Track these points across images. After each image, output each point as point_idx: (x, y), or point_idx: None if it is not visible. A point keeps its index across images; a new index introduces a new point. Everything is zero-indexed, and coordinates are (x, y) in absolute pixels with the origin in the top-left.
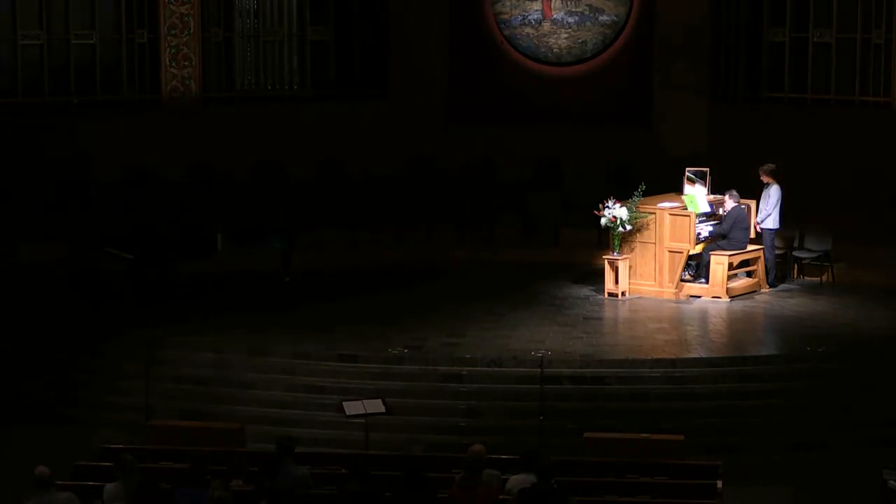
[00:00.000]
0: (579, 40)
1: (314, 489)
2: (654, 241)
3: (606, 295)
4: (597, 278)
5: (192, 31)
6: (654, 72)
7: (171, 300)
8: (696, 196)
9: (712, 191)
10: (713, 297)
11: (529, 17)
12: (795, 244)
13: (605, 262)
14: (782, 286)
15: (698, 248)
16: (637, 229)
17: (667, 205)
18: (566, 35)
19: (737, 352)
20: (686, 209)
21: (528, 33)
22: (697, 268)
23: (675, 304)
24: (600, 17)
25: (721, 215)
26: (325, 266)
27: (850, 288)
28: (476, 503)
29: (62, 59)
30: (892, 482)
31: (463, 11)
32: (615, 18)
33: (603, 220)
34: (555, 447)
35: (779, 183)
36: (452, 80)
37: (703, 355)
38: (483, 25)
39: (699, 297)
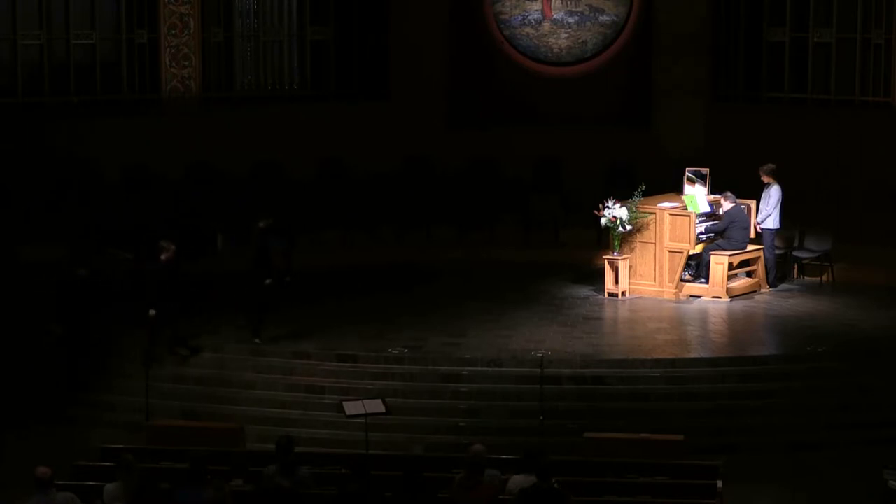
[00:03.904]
0: (579, 40)
1: (314, 489)
2: (654, 241)
3: (606, 295)
4: (597, 278)
5: (192, 31)
6: (653, 72)
7: (172, 300)
8: (696, 196)
9: (712, 191)
10: (713, 297)
11: (529, 17)
12: (795, 244)
13: (605, 262)
14: (782, 286)
15: (698, 248)
16: (637, 229)
17: (667, 205)
18: (566, 35)
19: (737, 352)
20: (686, 209)
21: (528, 33)
22: (697, 268)
23: (675, 304)
24: (600, 17)
25: (721, 216)
26: (325, 266)
27: (850, 288)
28: (476, 503)
29: (62, 59)
30: (892, 482)
31: (463, 11)
32: (615, 18)
33: (603, 220)
34: (555, 447)
35: (779, 183)
36: (452, 80)
37: (703, 355)
38: (483, 25)
39: (699, 297)
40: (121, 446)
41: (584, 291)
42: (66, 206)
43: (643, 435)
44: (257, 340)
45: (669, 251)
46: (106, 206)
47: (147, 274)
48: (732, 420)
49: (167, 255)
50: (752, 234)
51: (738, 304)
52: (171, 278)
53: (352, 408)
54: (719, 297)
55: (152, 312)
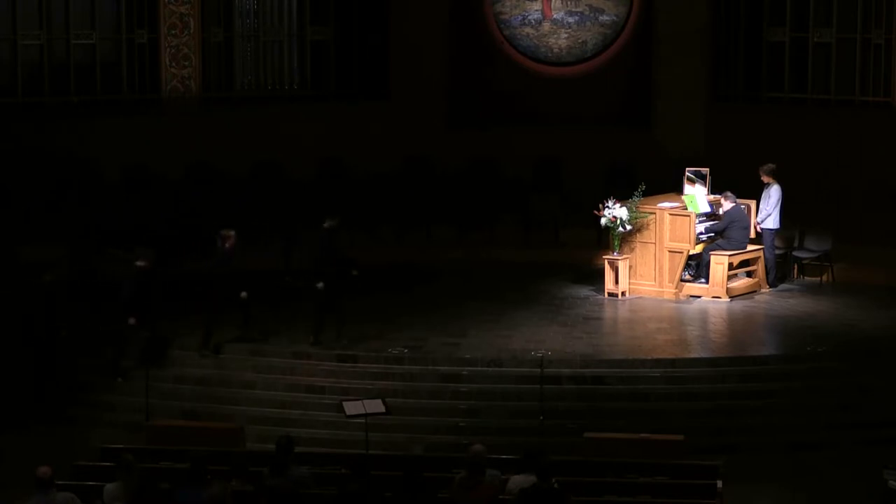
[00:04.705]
0: (579, 40)
1: (314, 489)
2: (654, 241)
3: (606, 295)
4: (597, 278)
5: (192, 31)
6: (653, 72)
7: (171, 300)
8: (696, 196)
9: (712, 191)
10: (713, 297)
11: (529, 17)
12: (795, 244)
13: (605, 262)
14: (782, 286)
15: (698, 248)
16: (637, 229)
17: (667, 205)
18: (566, 35)
19: (737, 352)
20: (686, 209)
21: (528, 33)
22: (697, 268)
23: (675, 304)
24: (600, 17)
25: (721, 216)
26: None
27: (850, 288)
28: (476, 503)
29: (62, 59)
30: (892, 482)
31: (463, 11)
32: (615, 18)
33: (603, 220)
34: (555, 447)
35: (779, 183)
36: (452, 80)
37: (703, 355)
38: (483, 25)
39: (699, 297)
40: (121, 446)
41: (584, 291)
42: (66, 206)
43: (643, 435)
44: (316, 342)
45: (669, 251)
46: (106, 206)
47: (213, 261)
48: (732, 420)
49: (230, 243)
50: (752, 234)
51: (738, 304)
52: (229, 266)
53: (352, 408)
54: (719, 297)
55: (244, 294)
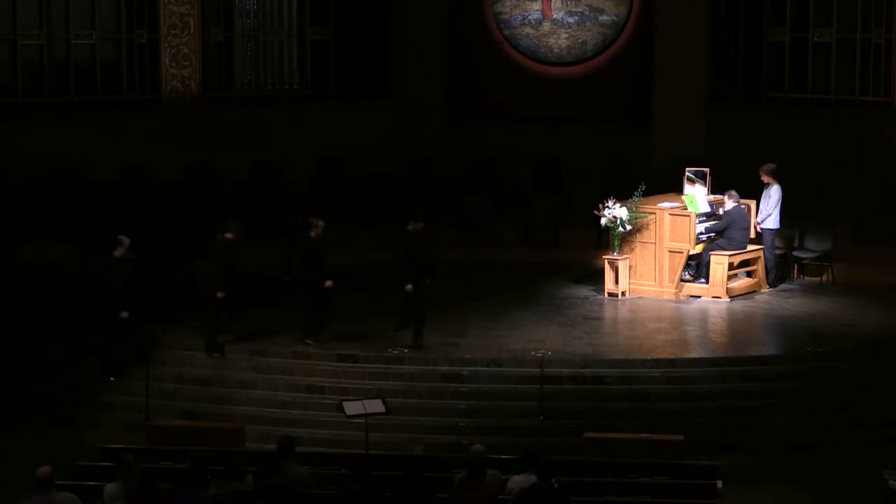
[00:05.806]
0: (579, 40)
1: (314, 489)
2: (654, 241)
3: (606, 295)
4: (597, 278)
5: (192, 31)
6: (654, 72)
7: (171, 300)
8: (696, 196)
9: (712, 191)
10: (713, 297)
11: (529, 17)
12: (795, 244)
13: (605, 262)
14: (782, 286)
15: (698, 248)
16: (637, 229)
17: (667, 205)
18: (566, 35)
19: (737, 352)
20: (686, 209)
21: (528, 33)
22: (697, 268)
23: (675, 304)
24: (600, 17)
25: (721, 215)
26: (325, 266)
27: (850, 288)
28: (476, 503)
29: (62, 59)
30: (892, 482)
31: (463, 11)
32: (615, 18)
33: (603, 220)
34: (555, 447)
35: (779, 183)
36: (452, 80)
37: (704, 355)
38: (483, 25)
39: (699, 297)
40: (121, 446)
41: (584, 291)
42: (66, 206)
43: (643, 435)
44: (398, 347)
45: (669, 251)
46: (106, 206)
47: (303, 249)
48: (732, 420)
49: (317, 231)
50: (752, 234)
51: (738, 304)
52: (320, 254)
53: (352, 408)
54: (719, 297)
55: (328, 283)
